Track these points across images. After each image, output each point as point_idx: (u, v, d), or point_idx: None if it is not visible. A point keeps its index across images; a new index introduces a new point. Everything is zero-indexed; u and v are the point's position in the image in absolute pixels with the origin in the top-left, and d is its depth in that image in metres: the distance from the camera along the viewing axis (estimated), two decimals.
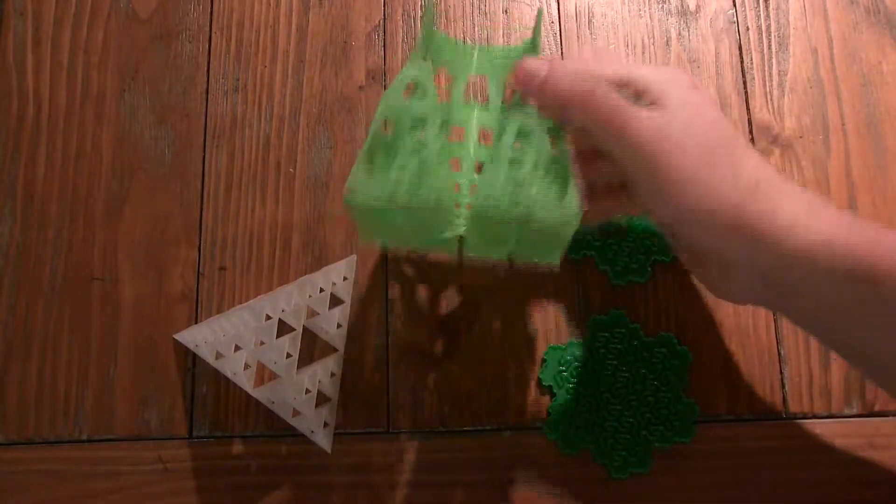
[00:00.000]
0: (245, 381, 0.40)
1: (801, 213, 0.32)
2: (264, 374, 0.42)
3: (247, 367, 0.40)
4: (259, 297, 0.43)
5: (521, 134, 0.35)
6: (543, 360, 0.43)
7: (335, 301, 0.43)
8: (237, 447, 0.42)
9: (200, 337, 0.41)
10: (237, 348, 0.40)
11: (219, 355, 0.40)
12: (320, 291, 0.42)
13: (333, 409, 0.42)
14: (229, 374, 0.40)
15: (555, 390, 0.42)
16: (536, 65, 0.34)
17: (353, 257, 0.44)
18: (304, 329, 0.41)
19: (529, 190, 0.33)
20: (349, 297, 0.44)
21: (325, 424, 0.42)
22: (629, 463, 0.41)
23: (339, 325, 0.43)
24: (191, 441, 0.42)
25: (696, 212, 0.31)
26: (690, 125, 0.32)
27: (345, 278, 0.44)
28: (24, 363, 0.43)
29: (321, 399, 0.41)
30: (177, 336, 0.43)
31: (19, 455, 0.42)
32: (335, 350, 0.43)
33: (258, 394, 0.40)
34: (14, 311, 0.44)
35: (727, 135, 0.33)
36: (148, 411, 0.43)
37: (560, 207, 0.33)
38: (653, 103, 0.32)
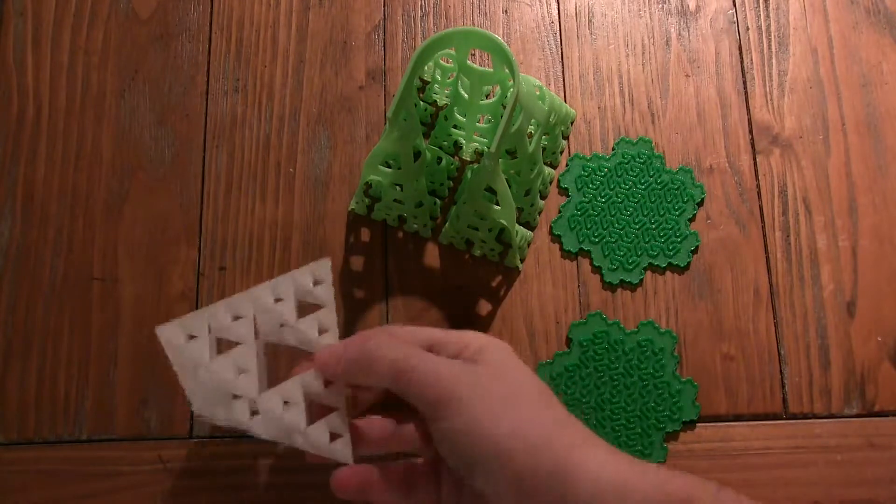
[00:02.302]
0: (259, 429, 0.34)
1: (605, 449, 0.30)
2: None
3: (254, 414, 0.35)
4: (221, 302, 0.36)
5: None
6: None
7: (312, 307, 0.37)
8: (237, 447, 0.42)
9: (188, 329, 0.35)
10: (235, 397, 0.34)
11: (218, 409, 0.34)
12: (279, 301, 0.36)
13: (344, 417, 0.35)
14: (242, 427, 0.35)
15: None
16: (330, 351, 0.34)
17: (326, 260, 0.38)
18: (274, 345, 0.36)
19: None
20: (331, 300, 0.37)
21: (333, 436, 0.35)
22: (646, 456, 0.41)
23: (322, 331, 0.37)
24: (191, 441, 0.42)
25: (508, 443, 0.29)
26: (498, 365, 0.32)
27: (316, 282, 0.37)
28: (24, 363, 0.43)
29: (325, 410, 0.35)
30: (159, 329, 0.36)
31: (19, 455, 0.42)
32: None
33: (258, 430, 0.35)
34: (14, 311, 0.44)
35: (540, 386, 0.32)
36: (148, 411, 0.43)
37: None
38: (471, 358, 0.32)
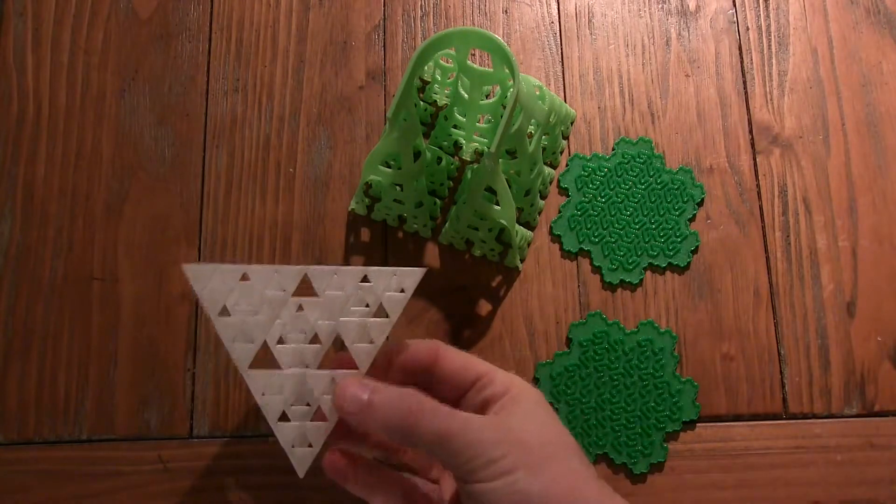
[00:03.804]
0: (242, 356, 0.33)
1: None
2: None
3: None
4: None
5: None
6: (536, 380, 0.43)
7: (380, 312, 0.35)
8: (237, 447, 0.42)
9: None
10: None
11: (225, 311, 0.33)
12: (371, 295, 0.34)
13: (325, 432, 0.34)
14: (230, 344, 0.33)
15: (555, 406, 0.42)
16: (357, 389, 0.32)
17: (423, 270, 0.35)
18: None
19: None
20: (397, 314, 0.34)
21: (310, 445, 0.34)
22: (646, 456, 0.41)
23: (371, 341, 0.34)
24: (191, 441, 0.42)
25: (541, 499, 0.30)
26: (532, 420, 0.33)
27: (402, 290, 0.35)
28: (24, 363, 0.43)
29: (318, 414, 0.34)
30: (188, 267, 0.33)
31: (19, 455, 0.42)
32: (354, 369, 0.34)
33: (252, 378, 0.33)
34: (14, 311, 0.44)
35: (567, 438, 0.33)
36: (148, 411, 0.43)
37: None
38: (496, 397, 0.33)
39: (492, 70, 0.42)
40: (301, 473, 0.34)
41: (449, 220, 0.44)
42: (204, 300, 0.33)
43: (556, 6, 0.49)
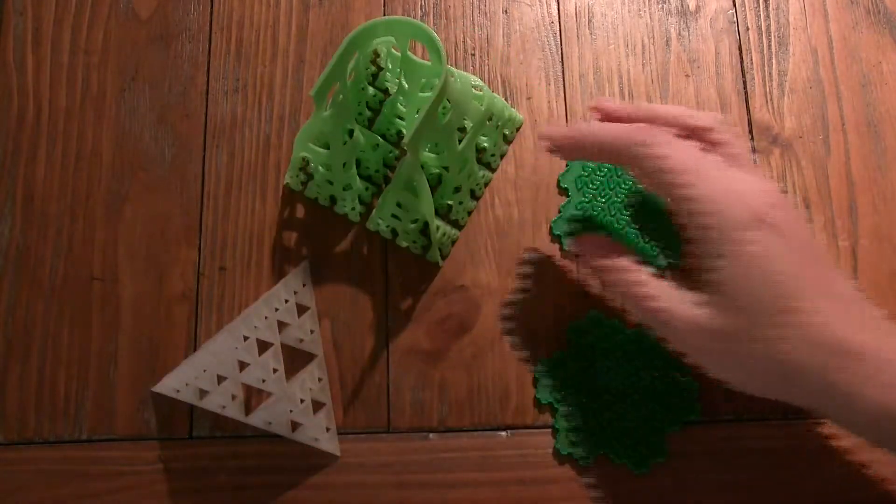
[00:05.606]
0: (237, 412, 0.40)
1: None
2: (251, 402, 0.42)
3: (234, 397, 0.40)
4: (227, 324, 0.43)
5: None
6: (536, 379, 0.43)
7: (301, 308, 0.43)
8: (237, 447, 0.42)
9: (181, 380, 0.40)
10: (220, 379, 0.40)
11: (203, 393, 0.40)
12: (286, 302, 0.42)
13: (330, 413, 0.42)
14: (218, 410, 0.40)
15: (555, 406, 0.42)
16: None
17: (306, 263, 0.44)
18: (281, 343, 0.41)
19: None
20: (313, 301, 0.43)
21: (327, 429, 0.42)
22: (648, 455, 0.41)
23: (311, 331, 0.43)
24: (191, 441, 0.42)
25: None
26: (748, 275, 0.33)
27: (304, 284, 0.43)
28: (24, 363, 0.43)
29: (316, 406, 0.41)
30: (155, 389, 0.41)
31: (19, 455, 0.42)
32: (314, 356, 0.43)
33: (254, 420, 0.40)
34: (14, 311, 0.44)
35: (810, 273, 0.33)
36: (148, 411, 0.43)
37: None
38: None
39: (429, 63, 0.42)
40: (337, 452, 0.41)
41: (376, 207, 0.44)
42: (184, 398, 0.40)
43: (556, 6, 0.49)
